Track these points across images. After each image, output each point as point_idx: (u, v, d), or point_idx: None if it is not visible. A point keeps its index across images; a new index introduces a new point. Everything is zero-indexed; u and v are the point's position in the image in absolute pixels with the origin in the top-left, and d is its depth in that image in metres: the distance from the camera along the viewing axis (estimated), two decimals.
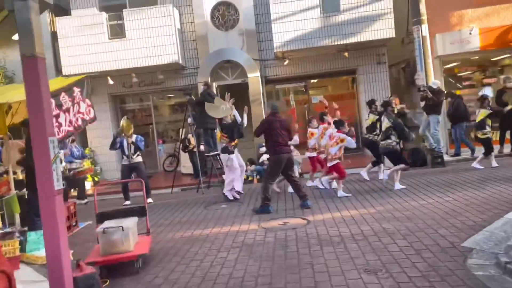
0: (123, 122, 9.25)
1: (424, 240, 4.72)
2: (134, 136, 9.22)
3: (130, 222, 4.95)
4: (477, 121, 8.90)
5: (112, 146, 9.33)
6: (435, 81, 10.23)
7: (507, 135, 10.44)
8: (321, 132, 8.51)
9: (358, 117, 12.94)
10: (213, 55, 12.16)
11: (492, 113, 8.72)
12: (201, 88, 10.99)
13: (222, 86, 12.71)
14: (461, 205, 6.04)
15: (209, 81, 11.62)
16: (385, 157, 8.55)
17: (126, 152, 9.10)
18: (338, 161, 7.65)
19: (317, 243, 5.02)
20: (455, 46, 10.84)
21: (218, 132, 8.51)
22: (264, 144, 11.43)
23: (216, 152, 10.24)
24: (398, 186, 7.63)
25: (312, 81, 13.81)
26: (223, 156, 8.50)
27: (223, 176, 8.71)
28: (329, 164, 7.78)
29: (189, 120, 10.95)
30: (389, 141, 7.70)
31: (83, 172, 9.74)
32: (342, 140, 7.65)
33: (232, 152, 8.35)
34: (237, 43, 12.40)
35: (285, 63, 12.12)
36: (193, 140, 11.38)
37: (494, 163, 8.85)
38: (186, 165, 12.17)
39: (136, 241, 5.08)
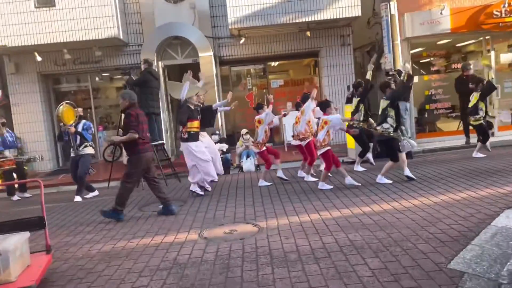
0: (59, 109, 7.69)
1: (401, 259, 3.72)
2: (82, 122, 7.80)
3: (14, 241, 3.63)
4: (470, 105, 8.14)
5: (60, 138, 8.00)
6: (405, 65, 9.32)
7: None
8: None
9: None
10: (160, 30, 10.71)
11: (482, 95, 7.98)
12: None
13: (170, 66, 11.34)
14: (439, 208, 5.13)
15: (154, 59, 10.25)
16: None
17: (72, 144, 7.72)
18: (328, 148, 6.70)
19: (268, 262, 3.92)
20: (425, 27, 10.00)
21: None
22: (218, 132, 10.28)
23: (160, 142, 8.95)
24: (383, 180, 6.77)
25: (272, 64, 12.69)
26: (184, 146, 7.06)
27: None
28: (319, 152, 6.80)
29: None
30: (386, 125, 6.63)
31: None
32: (325, 122, 6.64)
33: (195, 140, 6.94)
34: (187, 18, 11.02)
35: (241, 41, 10.90)
36: None
37: (478, 154, 8.20)
38: None
39: (27, 264, 3.78)
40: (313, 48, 11.52)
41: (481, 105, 7.99)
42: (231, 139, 11.10)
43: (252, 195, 6.86)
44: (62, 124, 7.72)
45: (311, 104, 7.32)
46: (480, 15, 9.83)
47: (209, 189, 7.32)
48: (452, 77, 10.28)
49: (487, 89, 8.06)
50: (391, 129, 6.64)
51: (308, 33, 10.79)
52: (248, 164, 9.64)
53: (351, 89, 10.02)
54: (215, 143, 9.96)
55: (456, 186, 6.08)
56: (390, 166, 6.78)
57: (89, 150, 7.88)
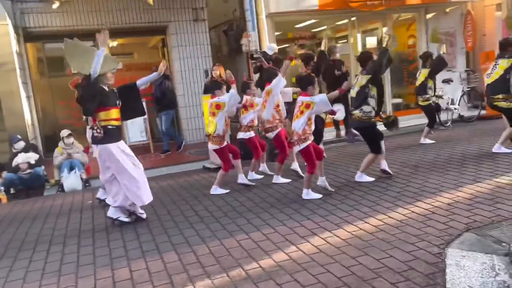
0: None
1: None
2: None
3: None
4: (417, 84, 7.44)
5: None
6: (272, 45, 7.63)
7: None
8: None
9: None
10: None
11: (432, 72, 7.23)
12: None
13: None
14: (354, 252, 3.41)
15: None
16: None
17: None
18: (309, 142, 4.78)
19: None
20: (290, 2, 8.51)
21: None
22: (20, 137, 7.17)
23: None
24: (366, 178, 5.35)
25: (109, 43, 9.83)
26: (101, 149, 4.49)
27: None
28: (297, 149, 4.87)
29: None
30: (367, 108, 5.01)
31: None
32: (308, 106, 4.66)
33: (116, 138, 4.53)
34: None
35: (54, 6, 7.84)
36: None
37: (425, 140, 7.37)
38: None
39: None
40: (160, 22, 9.12)
41: (430, 83, 7.26)
42: (48, 144, 8.02)
43: (78, 238, 4.28)
44: None
45: (282, 81, 5.39)
46: None
47: (143, 215, 4.71)
48: None
49: (438, 65, 7.28)
50: (373, 113, 5.08)
51: (150, 1, 8.34)
52: (72, 180, 6.81)
53: (209, 75, 8.15)
54: (17, 152, 6.87)
55: (359, 206, 4.50)
56: (372, 159, 5.29)
57: None
